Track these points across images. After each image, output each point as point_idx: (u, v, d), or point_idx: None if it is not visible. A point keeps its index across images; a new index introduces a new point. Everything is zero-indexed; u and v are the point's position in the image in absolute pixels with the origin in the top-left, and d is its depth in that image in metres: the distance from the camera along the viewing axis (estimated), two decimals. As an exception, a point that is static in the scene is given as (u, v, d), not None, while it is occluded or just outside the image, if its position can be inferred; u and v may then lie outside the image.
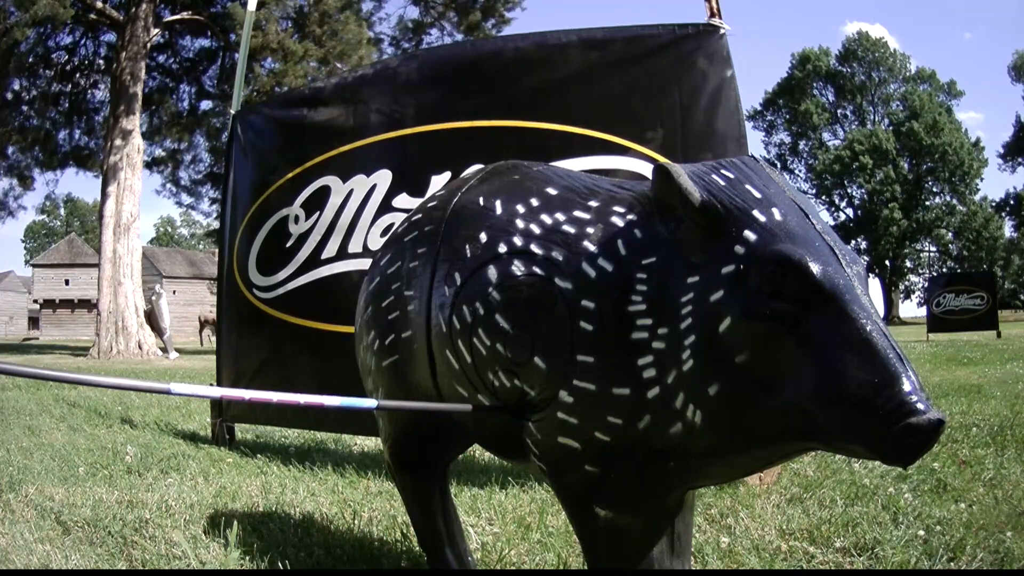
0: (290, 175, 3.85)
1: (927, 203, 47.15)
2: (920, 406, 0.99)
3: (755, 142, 51.69)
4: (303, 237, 3.71)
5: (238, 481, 3.14)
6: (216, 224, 22.31)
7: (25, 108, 19.15)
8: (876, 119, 49.31)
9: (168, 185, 21.53)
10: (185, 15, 18.45)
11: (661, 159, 2.88)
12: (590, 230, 1.35)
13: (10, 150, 19.52)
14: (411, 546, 2.18)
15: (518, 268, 1.39)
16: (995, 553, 2.03)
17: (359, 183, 3.52)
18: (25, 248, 68.82)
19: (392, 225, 3.16)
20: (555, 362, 1.32)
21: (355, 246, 3.52)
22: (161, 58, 20.35)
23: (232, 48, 18.85)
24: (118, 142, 16.93)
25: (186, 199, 21.85)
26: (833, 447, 1.13)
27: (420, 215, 1.75)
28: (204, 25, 18.79)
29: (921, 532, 2.21)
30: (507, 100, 3.29)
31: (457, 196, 1.65)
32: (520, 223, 1.45)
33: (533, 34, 3.35)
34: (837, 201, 49.44)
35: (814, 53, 49.43)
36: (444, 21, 19.52)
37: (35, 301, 44.33)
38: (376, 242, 3.41)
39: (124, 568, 2.10)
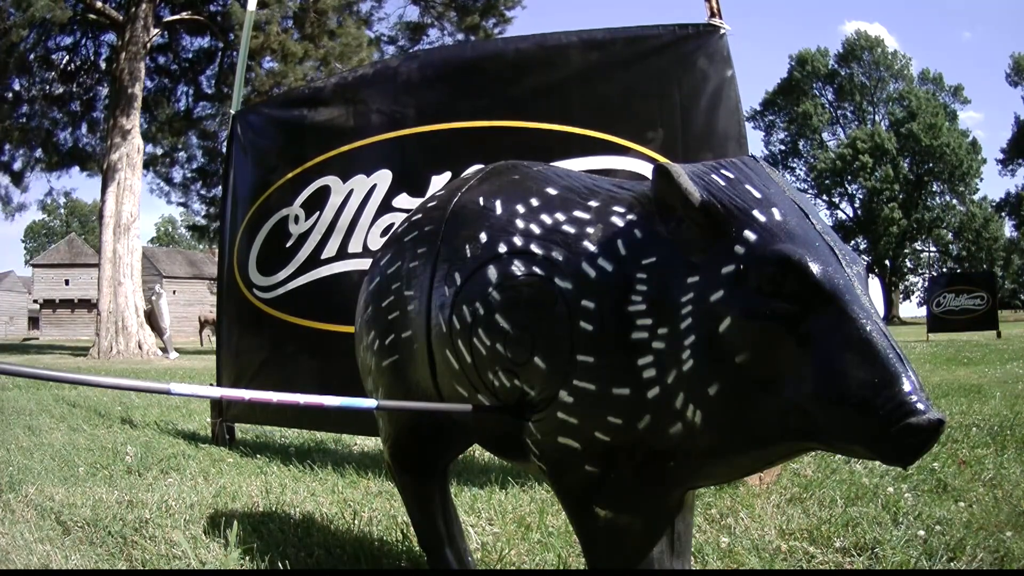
0: (290, 175, 3.85)
1: (927, 203, 47.17)
2: (920, 406, 0.99)
3: (755, 142, 51.74)
4: (303, 237, 3.72)
5: (238, 481, 3.14)
6: (205, 221, 22.35)
7: (25, 108, 19.17)
8: (876, 119, 49.33)
9: (160, 183, 21.61)
10: (185, 15, 18.47)
11: (661, 159, 2.88)
12: (590, 230, 1.35)
13: (8, 149, 19.53)
14: (411, 546, 2.18)
15: (518, 268, 1.39)
16: (995, 553, 2.03)
17: (359, 183, 3.52)
18: (25, 248, 68.88)
19: (392, 225, 3.16)
20: (555, 362, 1.32)
21: (355, 246, 3.52)
22: (160, 59, 20.37)
23: (231, 48, 18.86)
24: (118, 142, 16.94)
25: (175, 197, 21.87)
26: (833, 447, 1.13)
27: (420, 215, 1.75)
28: (204, 25, 18.79)
29: (921, 532, 2.21)
30: (508, 100, 3.29)
31: (457, 196, 1.65)
32: (520, 223, 1.45)
33: (534, 35, 3.35)
34: (837, 201, 49.46)
35: (811, 54, 49.43)
36: (444, 21, 19.52)
37: (35, 301, 44.32)
38: (376, 242, 3.41)
39: (124, 568, 2.10)
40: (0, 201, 21.11)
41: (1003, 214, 46.99)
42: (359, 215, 3.51)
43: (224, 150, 5.09)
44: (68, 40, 19.32)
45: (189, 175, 21.42)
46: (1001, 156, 46.73)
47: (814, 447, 1.18)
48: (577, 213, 1.40)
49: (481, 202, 1.57)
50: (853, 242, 45.46)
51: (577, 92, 3.20)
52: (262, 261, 3.92)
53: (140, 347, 16.73)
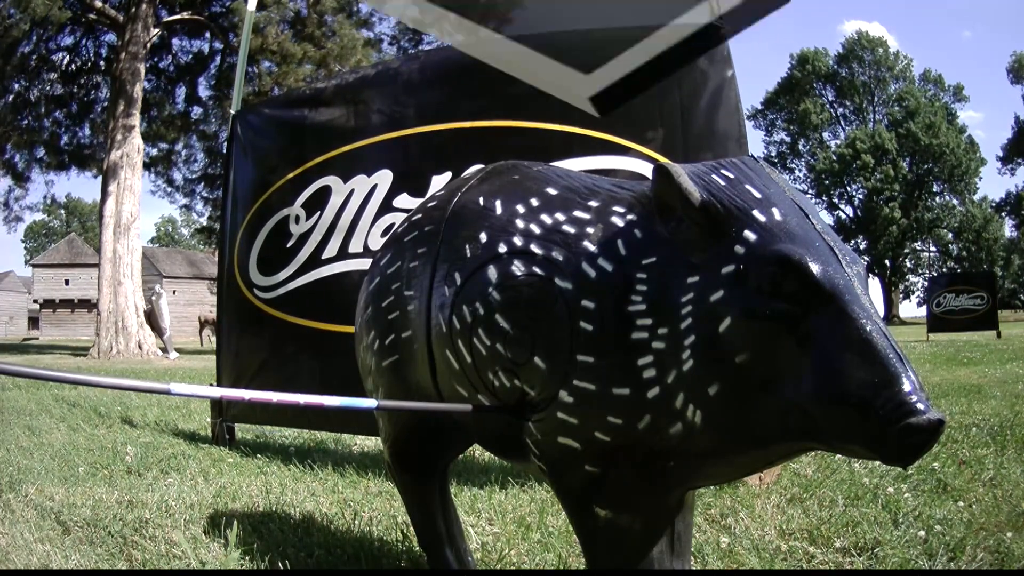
0: (291, 175, 3.85)
1: (927, 203, 47.18)
2: (920, 406, 0.99)
3: (755, 142, 51.71)
4: (304, 237, 3.72)
5: (238, 481, 3.14)
6: (207, 222, 22.34)
7: (27, 108, 19.16)
8: (876, 118, 49.33)
9: (162, 184, 21.61)
10: (185, 15, 18.47)
11: (661, 159, 2.88)
12: (590, 230, 1.35)
13: (9, 150, 19.54)
14: (411, 546, 2.18)
15: (518, 268, 1.39)
16: (995, 553, 2.03)
17: (360, 183, 3.52)
18: (25, 248, 68.85)
19: (393, 225, 3.16)
20: (555, 362, 1.32)
21: (356, 246, 3.52)
22: (160, 59, 20.38)
23: (231, 48, 18.87)
24: (118, 141, 16.95)
25: (179, 199, 21.90)
26: (833, 447, 1.13)
27: (420, 215, 1.75)
28: (204, 25, 18.80)
29: (921, 532, 2.21)
30: (508, 100, 3.29)
31: (457, 196, 1.65)
32: (520, 223, 1.45)
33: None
34: (837, 201, 49.45)
35: (812, 54, 49.46)
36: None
37: (35, 301, 44.32)
38: (377, 242, 3.41)
39: (124, 568, 2.10)
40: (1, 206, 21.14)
41: (1003, 214, 47.01)
42: (360, 215, 3.51)
43: (224, 150, 5.09)
44: (68, 40, 19.34)
45: (191, 176, 21.46)
46: (1001, 154, 46.73)
47: (814, 447, 1.18)
48: (577, 213, 1.40)
49: (481, 202, 1.57)
50: (853, 242, 45.44)
51: (577, 92, 3.20)
52: (262, 261, 3.92)
53: (140, 347, 16.72)
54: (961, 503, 2.54)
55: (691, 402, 1.17)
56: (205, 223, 23.02)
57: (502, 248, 1.43)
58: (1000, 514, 2.39)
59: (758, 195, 1.19)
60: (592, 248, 1.32)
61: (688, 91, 3.05)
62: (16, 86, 18.69)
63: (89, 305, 34.98)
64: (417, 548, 2.04)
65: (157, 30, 18.17)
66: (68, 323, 41.47)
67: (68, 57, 19.48)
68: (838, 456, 3.08)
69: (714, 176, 1.22)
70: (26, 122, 19.18)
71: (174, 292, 37.75)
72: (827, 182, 48.42)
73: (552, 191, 1.49)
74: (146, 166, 19.66)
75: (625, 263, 1.28)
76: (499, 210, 1.51)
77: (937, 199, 47.71)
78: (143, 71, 17.68)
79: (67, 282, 42.29)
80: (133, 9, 17.15)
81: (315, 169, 3.74)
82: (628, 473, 1.30)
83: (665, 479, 1.30)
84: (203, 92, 20.74)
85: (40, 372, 1.23)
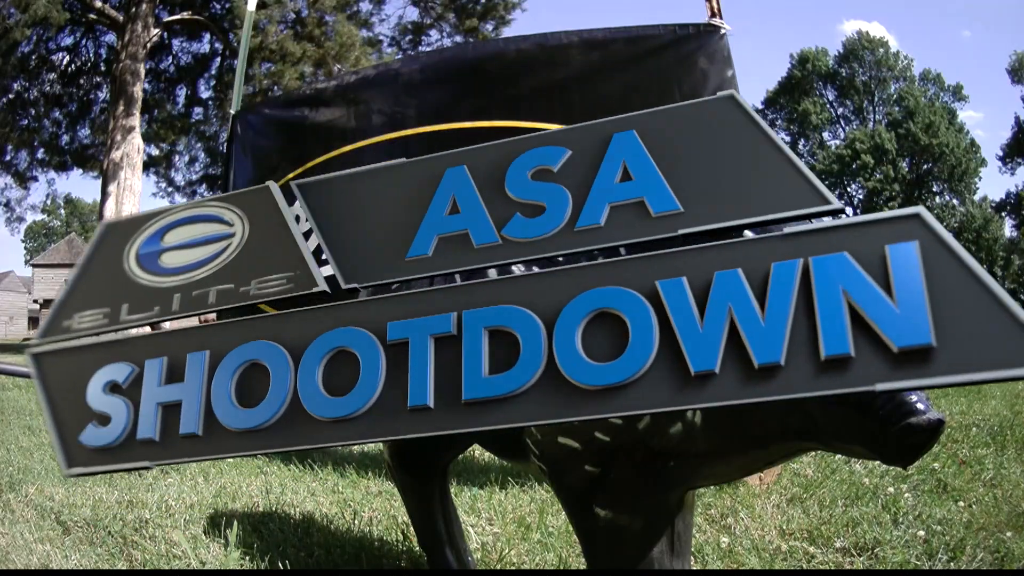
0: (291, 175, 3.85)
1: (927, 203, 47.15)
2: (920, 406, 0.99)
3: (755, 142, 51.51)
4: (304, 237, 3.71)
5: (238, 481, 3.14)
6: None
7: (27, 109, 19.18)
8: (877, 119, 49.35)
9: (163, 185, 21.63)
10: (185, 15, 18.48)
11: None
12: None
13: (11, 150, 19.56)
14: (411, 546, 2.18)
15: (517, 266, 1.39)
16: (995, 553, 2.03)
17: (360, 183, 3.52)
18: (25, 248, 68.76)
19: (392, 225, 3.16)
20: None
21: (356, 246, 3.52)
22: (160, 60, 20.38)
23: (231, 49, 18.88)
24: (118, 141, 16.95)
25: (180, 200, 21.91)
26: (833, 447, 1.13)
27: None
28: (204, 25, 18.81)
29: (921, 532, 2.21)
30: (509, 101, 3.30)
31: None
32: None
33: (534, 35, 3.36)
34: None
35: (813, 53, 49.51)
36: (443, 22, 19.52)
37: (35, 301, 44.31)
38: (376, 242, 3.41)
39: (124, 568, 2.10)
40: (2, 207, 21.18)
41: (1003, 214, 47.00)
42: (359, 215, 3.50)
43: (224, 151, 5.09)
44: (68, 40, 19.35)
45: (195, 178, 21.48)
46: (1001, 154, 46.72)
47: (814, 447, 1.18)
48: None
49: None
50: (853, 242, 45.19)
51: (578, 92, 3.20)
52: (263, 261, 3.91)
53: (140, 347, 16.68)
54: (961, 503, 2.54)
55: (691, 402, 1.17)
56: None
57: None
58: (1000, 514, 2.39)
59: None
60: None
61: (688, 91, 3.05)
62: (16, 86, 18.70)
63: (89, 305, 34.90)
64: (417, 548, 2.04)
65: (157, 30, 18.16)
66: (68, 323, 41.38)
67: (68, 57, 19.49)
68: (838, 456, 3.08)
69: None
70: (26, 122, 19.19)
71: (174, 292, 37.69)
72: (827, 183, 48.34)
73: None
74: (146, 166, 19.64)
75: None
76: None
77: (937, 199, 47.67)
78: (143, 71, 17.68)
79: (67, 282, 42.25)
80: (133, 9, 17.15)
81: (316, 169, 3.73)
82: (628, 473, 1.30)
83: (665, 479, 1.30)
84: (203, 93, 20.78)
85: (40, 372, 1.22)
